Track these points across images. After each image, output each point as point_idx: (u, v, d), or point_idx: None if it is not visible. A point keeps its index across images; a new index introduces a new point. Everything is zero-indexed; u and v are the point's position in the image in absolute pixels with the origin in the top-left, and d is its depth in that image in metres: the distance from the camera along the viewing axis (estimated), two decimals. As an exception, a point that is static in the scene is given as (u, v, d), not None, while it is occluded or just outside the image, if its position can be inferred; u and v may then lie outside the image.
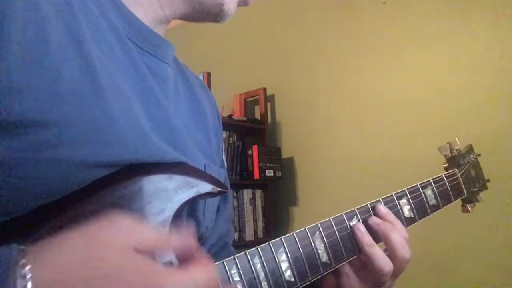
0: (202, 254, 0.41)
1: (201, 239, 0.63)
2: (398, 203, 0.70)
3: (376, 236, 0.64)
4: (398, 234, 0.64)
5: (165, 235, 0.40)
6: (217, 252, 0.68)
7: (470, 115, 2.02)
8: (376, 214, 0.66)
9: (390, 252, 0.63)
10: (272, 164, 2.60)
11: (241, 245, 2.42)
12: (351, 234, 0.64)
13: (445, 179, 0.78)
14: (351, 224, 0.64)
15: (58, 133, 0.40)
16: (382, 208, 0.67)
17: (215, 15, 0.62)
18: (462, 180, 0.82)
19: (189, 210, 0.57)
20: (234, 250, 0.72)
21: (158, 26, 0.60)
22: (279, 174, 2.62)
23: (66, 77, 0.41)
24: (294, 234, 0.59)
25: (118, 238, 0.35)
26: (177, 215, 0.48)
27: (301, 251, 0.58)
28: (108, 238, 0.35)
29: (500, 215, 1.87)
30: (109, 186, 0.44)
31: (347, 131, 2.46)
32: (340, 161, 2.46)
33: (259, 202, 2.66)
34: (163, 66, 0.58)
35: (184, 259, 0.40)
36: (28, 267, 0.32)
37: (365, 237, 0.63)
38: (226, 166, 0.76)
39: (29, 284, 0.31)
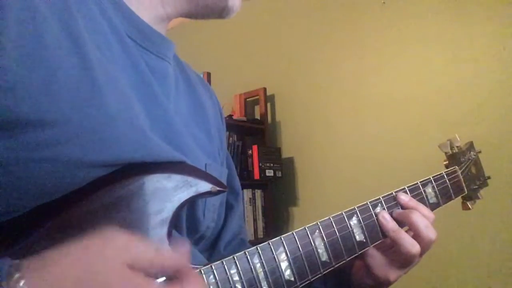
0: (192, 270, 0.41)
1: (202, 239, 0.63)
2: (398, 201, 0.70)
3: (401, 221, 0.66)
4: (419, 216, 0.66)
5: (162, 251, 0.40)
6: (235, 250, 0.68)
7: (471, 114, 2.01)
8: (393, 207, 0.68)
9: (415, 233, 0.65)
10: (272, 164, 2.59)
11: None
12: (376, 222, 0.66)
13: (445, 176, 0.78)
14: (351, 223, 0.64)
15: (55, 132, 0.40)
16: (403, 197, 0.69)
17: (220, 12, 0.61)
18: (462, 177, 0.82)
19: (189, 210, 0.57)
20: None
21: (159, 24, 0.60)
22: (279, 174, 2.61)
23: (62, 75, 0.41)
24: (294, 233, 0.58)
25: (114, 254, 0.36)
26: (177, 215, 0.48)
27: (300, 250, 0.58)
28: (104, 254, 0.35)
29: (501, 212, 1.86)
30: (107, 186, 0.44)
31: (347, 131, 2.45)
32: (340, 161, 2.46)
33: (259, 202, 2.66)
34: (163, 64, 0.58)
35: (174, 275, 0.40)
36: (23, 281, 0.32)
37: (390, 224, 0.65)
38: (232, 164, 0.76)
39: None
